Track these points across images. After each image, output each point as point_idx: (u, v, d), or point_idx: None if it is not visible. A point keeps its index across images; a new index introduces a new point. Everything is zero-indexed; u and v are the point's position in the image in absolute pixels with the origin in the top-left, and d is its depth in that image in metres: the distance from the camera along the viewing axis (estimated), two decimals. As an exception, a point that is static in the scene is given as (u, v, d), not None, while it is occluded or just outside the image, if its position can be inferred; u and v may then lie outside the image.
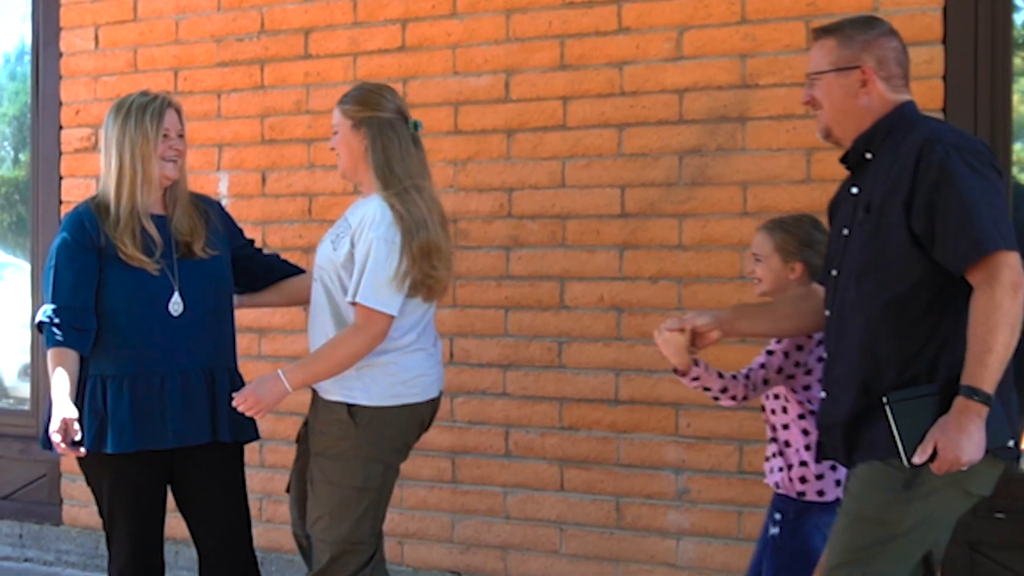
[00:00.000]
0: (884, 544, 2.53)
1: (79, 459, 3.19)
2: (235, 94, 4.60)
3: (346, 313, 3.15)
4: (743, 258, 3.80)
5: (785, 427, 3.09)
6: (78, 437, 3.01)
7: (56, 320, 3.09)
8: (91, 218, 3.18)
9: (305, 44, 4.49)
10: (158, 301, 3.18)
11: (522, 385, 4.14)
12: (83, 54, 4.97)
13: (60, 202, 5.03)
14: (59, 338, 3.08)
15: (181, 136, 3.29)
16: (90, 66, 4.95)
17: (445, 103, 4.25)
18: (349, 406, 3.15)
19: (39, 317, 3.11)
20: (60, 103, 5.02)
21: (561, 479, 4.09)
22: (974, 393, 2.38)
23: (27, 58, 5.65)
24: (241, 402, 3.09)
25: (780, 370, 3.05)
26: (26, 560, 5.14)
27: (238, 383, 3.31)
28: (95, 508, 4.87)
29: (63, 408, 3.01)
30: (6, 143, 7.18)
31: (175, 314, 3.19)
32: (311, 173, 4.47)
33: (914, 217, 2.51)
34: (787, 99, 3.75)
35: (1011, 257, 2.41)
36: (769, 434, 3.16)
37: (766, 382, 3.05)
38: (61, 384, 3.05)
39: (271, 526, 4.52)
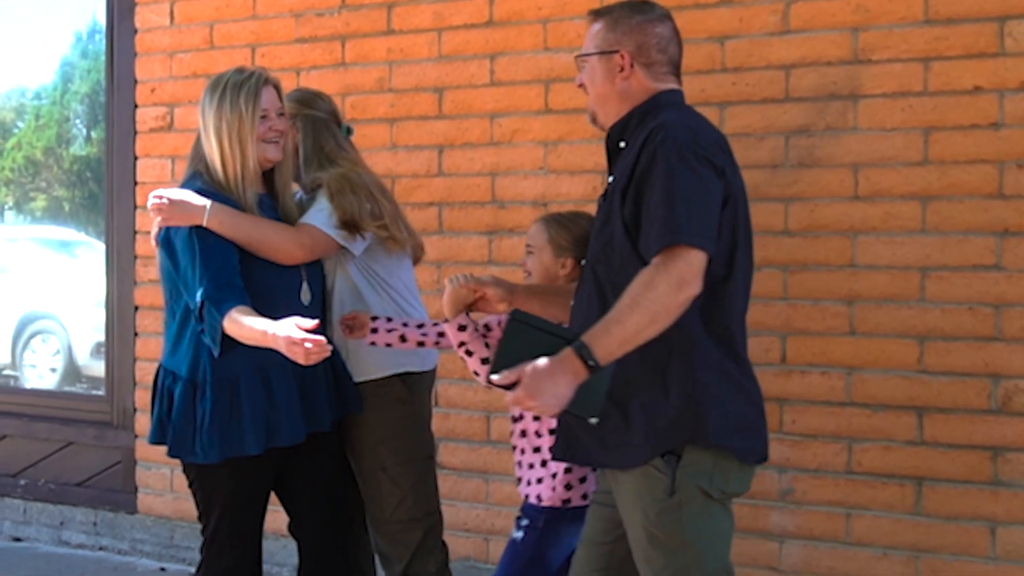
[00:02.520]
0: (674, 556, 2.49)
1: (188, 462, 3.15)
2: (315, 71, 4.54)
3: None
4: (854, 245, 3.67)
5: (551, 432, 2.98)
6: (311, 324, 2.79)
7: (222, 293, 2.94)
8: (228, 203, 3.08)
9: (388, 19, 4.41)
10: (292, 289, 3.14)
11: (615, 377, 4.04)
12: (158, 30, 4.94)
13: (135, 183, 5.01)
14: (231, 302, 2.92)
15: (282, 114, 3.19)
16: (165, 42, 4.92)
17: (535, 80, 4.15)
18: (402, 377, 3.29)
19: (200, 297, 2.94)
20: (135, 81, 5.00)
21: (656, 476, 3.99)
22: (584, 350, 2.30)
23: (99, 36, 5.68)
24: (159, 199, 3.04)
25: None
26: (100, 548, 5.17)
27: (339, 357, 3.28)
28: (170, 496, 4.96)
29: (279, 325, 2.80)
30: (78, 121, 7.24)
31: (305, 303, 3.14)
32: (393, 154, 4.39)
33: (626, 206, 2.47)
34: (903, 75, 3.60)
35: (693, 254, 2.34)
36: (534, 443, 3.06)
37: None
38: (261, 321, 2.86)
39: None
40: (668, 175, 2.39)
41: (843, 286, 3.69)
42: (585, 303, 2.60)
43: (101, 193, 7.30)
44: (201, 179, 3.13)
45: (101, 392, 5.33)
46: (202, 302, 2.94)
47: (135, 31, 4.99)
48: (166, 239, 3.11)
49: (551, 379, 2.30)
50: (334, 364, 3.22)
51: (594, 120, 2.75)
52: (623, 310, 2.32)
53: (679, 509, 2.46)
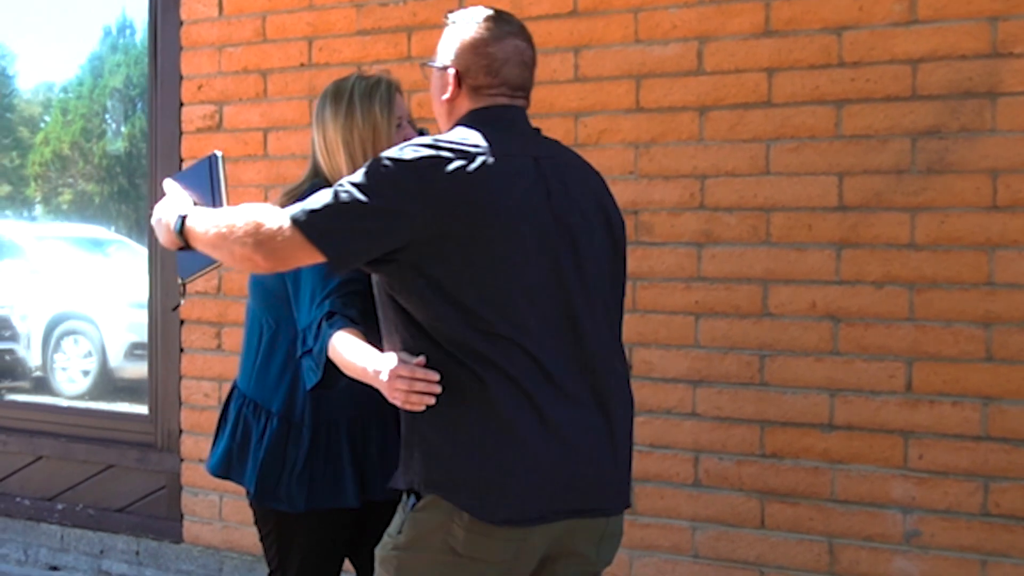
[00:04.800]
0: None
1: (265, 511, 2.87)
2: (378, 66, 4.20)
3: None
4: (992, 260, 3.32)
5: None
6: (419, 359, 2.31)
7: (347, 311, 2.56)
8: None
9: (460, 8, 4.08)
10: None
11: (715, 404, 3.71)
12: (206, 22, 4.63)
13: (180, 187, 4.71)
14: (343, 322, 2.54)
15: (411, 121, 2.91)
16: (213, 35, 4.61)
17: (625, 76, 3.82)
18: None
19: (328, 307, 2.56)
20: (180, 77, 4.69)
21: (762, 514, 3.65)
22: (181, 218, 2.53)
23: (129, 31, 5.72)
24: None
25: None
26: (143, 579, 4.90)
27: None
28: (219, 525, 4.67)
29: (385, 357, 2.34)
30: (107, 116, 7.12)
31: None
32: (465, 156, 4.07)
33: None
34: (1050, 70, 3.26)
35: (294, 236, 2.27)
36: None
37: None
38: (366, 351, 2.41)
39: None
40: (345, 179, 2.33)
41: (979, 306, 3.34)
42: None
43: (132, 189, 7.15)
44: None
45: (142, 407, 5.04)
46: (324, 316, 2.55)
47: (180, 23, 4.68)
48: None
49: (162, 218, 2.61)
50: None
51: None
52: (223, 216, 2.43)
53: (393, 551, 2.33)
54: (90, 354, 7.66)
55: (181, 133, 4.70)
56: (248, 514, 3.03)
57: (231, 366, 4.58)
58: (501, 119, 2.44)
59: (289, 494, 2.78)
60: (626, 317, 3.78)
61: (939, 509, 3.42)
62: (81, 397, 7.26)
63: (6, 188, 7.92)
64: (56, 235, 8.25)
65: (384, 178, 2.26)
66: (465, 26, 2.49)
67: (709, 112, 3.70)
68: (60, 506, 5.08)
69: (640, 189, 3.80)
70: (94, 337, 7.66)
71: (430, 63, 2.55)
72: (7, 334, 7.84)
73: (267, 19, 4.49)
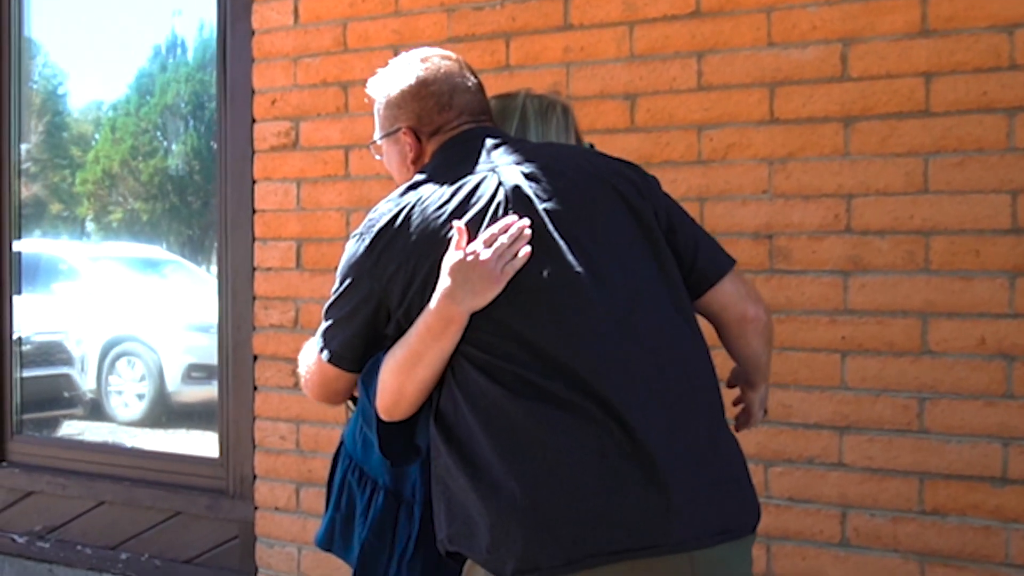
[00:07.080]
0: None
1: None
2: (472, 76, 3.87)
3: None
4: None
5: None
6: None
7: None
8: None
9: (565, 11, 3.71)
10: None
11: (866, 454, 3.31)
12: (280, 31, 4.29)
13: (253, 211, 4.36)
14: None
15: (580, 143, 2.59)
16: (288, 46, 4.27)
17: (757, 84, 3.43)
18: None
19: None
20: (252, 91, 4.35)
21: (922, 579, 3.26)
22: None
23: (180, 49, 5.65)
24: None
25: None
26: (214, 636, 4.58)
27: None
28: (297, 579, 4.34)
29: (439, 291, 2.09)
30: (158, 133, 7.25)
31: None
32: (572, 175, 3.70)
33: None
34: None
35: (326, 367, 2.27)
36: None
37: None
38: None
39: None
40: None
41: None
42: None
43: (184, 207, 7.08)
44: None
45: (203, 435, 4.82)
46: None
47: (252, 33, 4.34)
48: None
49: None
50: None
51: None
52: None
53: None
54: (144, 377, 7.47)
55: (253, 152, 4.36)
56: (330, 567, 2.72)
57: (309, 406, 4.25)
58: (462, 144, 2.27)
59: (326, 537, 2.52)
60: (761, 355, 3.42)
61: None
62: (138, 423, 7.06)
63: (58, 206, 7.83)
64: (110, 255, 8.05)
65: (346, 259, 2.22)
66: (392, 85, 2.35)
67: (856, 123, 3.30)
68: (124, 555, 4.76)
69: (775, 210, 3.40)
70: (150, 360, 7.48)
71: (376, 140, 2.40)
72: (62, 358, 7.67)
73: (348, 26, 4.14)
